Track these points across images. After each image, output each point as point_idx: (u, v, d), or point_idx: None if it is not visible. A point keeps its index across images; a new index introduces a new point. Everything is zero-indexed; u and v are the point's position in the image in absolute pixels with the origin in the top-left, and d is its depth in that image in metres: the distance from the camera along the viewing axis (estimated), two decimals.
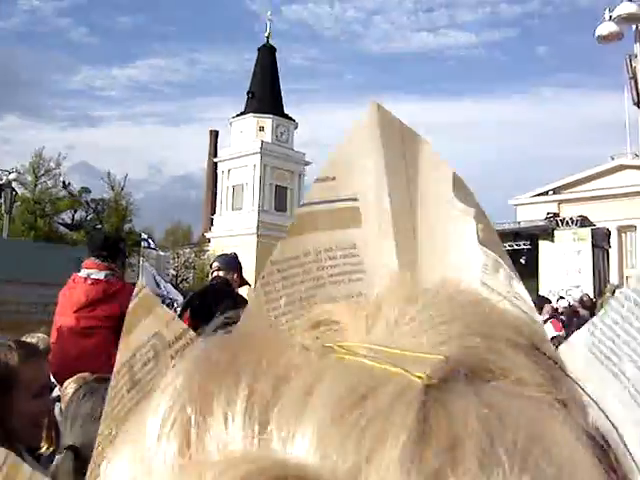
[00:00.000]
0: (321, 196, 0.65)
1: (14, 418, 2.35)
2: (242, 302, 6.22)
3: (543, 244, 23.56)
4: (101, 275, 5.00)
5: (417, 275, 0.59)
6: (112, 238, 5.62)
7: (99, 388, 2.20)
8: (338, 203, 0.65)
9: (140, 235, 31.19)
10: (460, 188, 0.65)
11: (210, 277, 6.36)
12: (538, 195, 62.48)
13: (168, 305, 10.48)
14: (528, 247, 23.87)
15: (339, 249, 0.65)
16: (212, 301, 5.81)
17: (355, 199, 0.65)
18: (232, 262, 6.30)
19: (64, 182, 59.27)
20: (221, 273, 6.05)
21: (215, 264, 6.18)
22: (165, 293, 12.01)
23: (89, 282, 4.97)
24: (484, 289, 0.62)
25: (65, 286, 5.20)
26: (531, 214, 40.46)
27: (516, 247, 23.99)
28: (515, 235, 24.38)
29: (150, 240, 21.08)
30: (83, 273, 5.04)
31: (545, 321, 11.45)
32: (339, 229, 0.65)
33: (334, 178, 0.65)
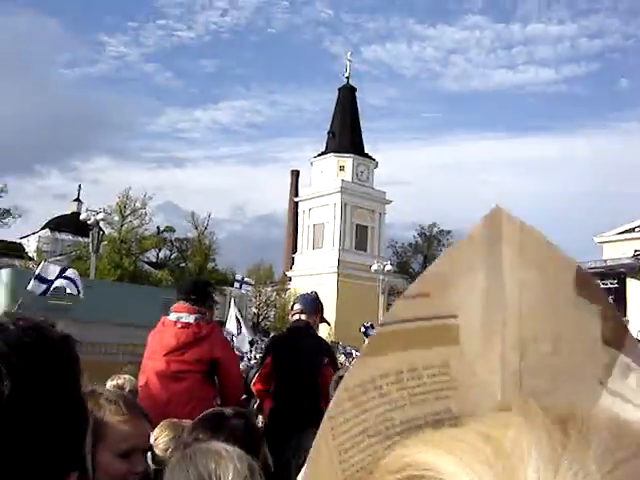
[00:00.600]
0: (408, 314, 0.56)
1: (97, 475, 2.18)
2: (323, 344, 6.25)
3: (631, 282, 22.94)
4: (191, 319, 5.04)
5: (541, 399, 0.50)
6: (201, 282, 5.66)
7: (197, 452, 1.98)
8: (432, 321, 0.56)
9: (233, 275, 31.68)
10: (585, 285, 0.57)
11: (291, 317, 6.31)
12: (624, 232, 60.89)
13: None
14: (616, 286, 23.28)
15: (426, 368, 0.56)
16: (294, 344, 5.84)
17: (455, 316, 0.56)
18: (313, 303, 6.22)
19: (158, 228, 60.78)
20: (303, 315, 6.02)
21: (297, 306, 6.13)
22: (237, 343, 12.10)
23: (179, 325, 5.02)
24: (607, 397, 0.55)
25: (154, 329, 5.25)
26: (617, 252, 39.44)
27: (603, 286, 23.40)
28: (602, 274, 23.80)
29: (243, 279, 21.44)
30: (173, 317, 5.10)
31: None
32: (428, 348, 0.56)
33: (428, 294, 0.57)
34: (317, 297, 6.42)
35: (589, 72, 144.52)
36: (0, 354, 0.87)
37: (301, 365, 5.55)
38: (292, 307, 6.30)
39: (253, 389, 5.97)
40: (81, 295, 9.23)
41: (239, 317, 12.78)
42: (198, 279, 6.37)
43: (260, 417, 5.94)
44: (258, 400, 6.16)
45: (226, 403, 5.15)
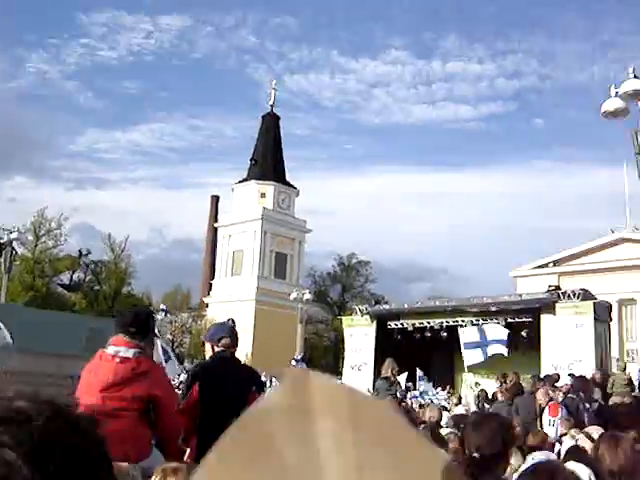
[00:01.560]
0: None
1: None
2: (252, 372, 6.19)
3: (545, 317, 23.55)
4: (130, 353, 4.86)
5: None
6: (143, 313, 5.38)
7: None
8: None
9: (149, 299, 31.20)
10: None
11: (210, 346, 6.08)
12: (538, 267, 62.64)
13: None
14: (529, 320, 23.85)
15: None
16: (222, 372, 5.71)
17: None
18: (233, 330, 6.15)
19: (80, 251, 59.32)
20: (226, 341, 5.92)
21: (225, 340, 5.96)
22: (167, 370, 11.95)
23: (117, 360, 4.84)
24: None
25: (90, 362, 5.02)
26: (531, 286, 40.54)
27: (518, 320, 23.99)
28: (516, 309, 24.39)
29: (166, 309, 21.32)
30: (110, 350, 4.90)
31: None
32: None
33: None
34: (234, 324, 6.34)
35: (506, 111, 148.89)
36: (26, 452, 0.78)
37: (230, 394, 5.38)
38: (219, 339, 6.01)
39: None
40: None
41: (164, 345, 12.63)
42: (139, 310, 6.05)
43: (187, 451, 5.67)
44: (184, 434, 5.71)
45: (165, 444, 5.02)
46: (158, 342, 12.62)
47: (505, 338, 19.80)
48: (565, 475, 2.68)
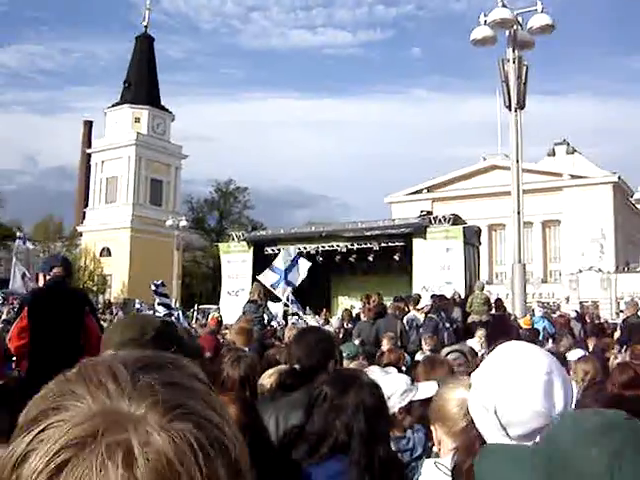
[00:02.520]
0: None
1: None
2: (82, 293, 6.14)
3: (416, 242, 24.02)
4: None
5: None
6: None
7: None
8: None
9: (19, 229, 29.96)
10: None
11: (43, 278, 6.03)
12: (412, 193, 64.09)
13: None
14: (402, 244, 24.28)
15: None
16: (51, 296, 5.73)
17: None
18: (66, 261, 6.22)
19: None
20: (58, 270, 5.90)
21: (57, 269, 5.93)
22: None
23: None
24: None
25: None
26: (406, 212, 41.39)
27: (391, 244, 24.39)
28: (390, 233, 24.77)
29: (25, 236, 20.53)
30: None
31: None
32: None
33: None
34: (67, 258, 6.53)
35: (384, 39, 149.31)
36: None
37: (62, 317, 5.48)
38: (51, 269, 5.96)
39: (10, 346, 5.66)
40: None
41: (25, 271, 12.16)
42: None
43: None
44: (16, 358, 5.85)
45: None
46: (17, 272, 12.08)
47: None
48: (362, 382, 2.74)
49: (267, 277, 16.28)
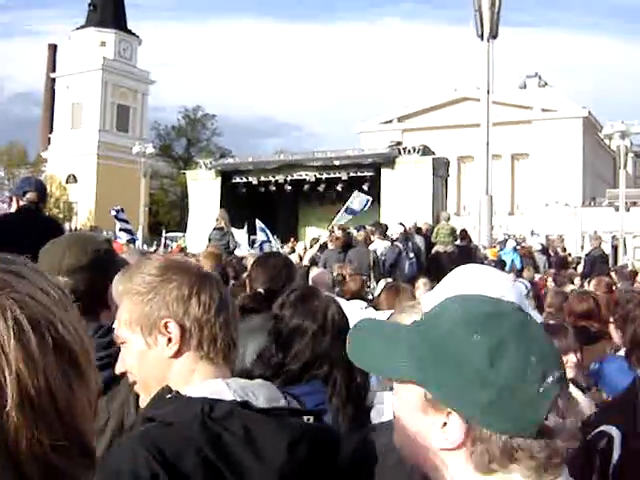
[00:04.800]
0: None
1: None
2: (56, 222, 5.93)
3: (385, 172, 23.97)
4: None
5: None
6: None
7: None
8: None
9: None
10: None
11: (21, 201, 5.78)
12: (383, 123, 63.68)
13: None
14: (371, 174, 24.22)
15: None
16: (24, 223, 5.44)
17: None
18: (41, 185, 5.92)
19: None
20: (31, 195, 5.61)
21: (31, 194, 5.63)
22: None
23: None
24: None
25: None
26: (376, 143, 41.10)
27: (360, 174, 24.31)
28: (358, 163, 24.67)
29: None
30: None
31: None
32: None
33: None
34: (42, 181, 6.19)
35: None
36: None
37: (31, 246, 5.15)
38: (23, 193, 5.66)
39: None
40: None
41: None
42: None
43: None
44: None
45: None
46: None
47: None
48: (328, 300, 2.66)
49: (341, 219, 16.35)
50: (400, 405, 1.14)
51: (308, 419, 1.60)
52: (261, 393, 1.55)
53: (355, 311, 3.60)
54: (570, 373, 3.33)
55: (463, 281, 1.73)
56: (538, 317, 4.92)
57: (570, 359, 3.54)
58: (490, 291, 1.65)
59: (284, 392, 1.67)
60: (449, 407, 1.05)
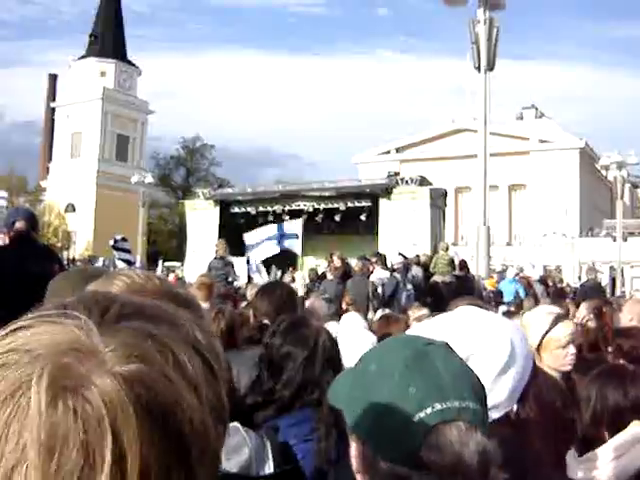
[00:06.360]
0: None
1: None
2: (51, 251, 5.90)
3: (383, 202, 24.08)
4: None
5: None
6: None
7: None
8: None
9: None
10: None
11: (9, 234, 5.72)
12: (381, 154, 63.92)
13: None
14: (368, 205, 24.33)
15: None
16: (19, 252, 5.39)
17: None
18: (34, 217, 5.87)
19: None
20: (20, 224, 5.52)
21: (21, 224, 5.52)
22: None
23: None
24: None
25: None
26: (374, 173, 41.26)
27: (357, 205, 24.43)
28: (356, 194, 24.78)
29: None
30: None
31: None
32: None
33: None
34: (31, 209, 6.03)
35: None
36: None
37: (29, 272, 5.11)
38: (12, 223, 5.55)
39: None
40: None
41: None
42: None
43: None
44: None
45: None
46: None
47: (299, 232, 20.14)
48: (318, 327, 2.70)
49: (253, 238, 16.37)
50: None
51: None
52: None
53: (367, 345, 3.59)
54: None
55: (460, 323, 1.73)
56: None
57: None
58: (488, 334, 1.65)
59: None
60: (353, 433, 1.13)
